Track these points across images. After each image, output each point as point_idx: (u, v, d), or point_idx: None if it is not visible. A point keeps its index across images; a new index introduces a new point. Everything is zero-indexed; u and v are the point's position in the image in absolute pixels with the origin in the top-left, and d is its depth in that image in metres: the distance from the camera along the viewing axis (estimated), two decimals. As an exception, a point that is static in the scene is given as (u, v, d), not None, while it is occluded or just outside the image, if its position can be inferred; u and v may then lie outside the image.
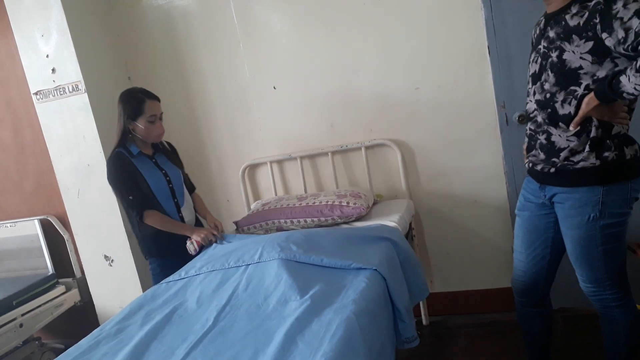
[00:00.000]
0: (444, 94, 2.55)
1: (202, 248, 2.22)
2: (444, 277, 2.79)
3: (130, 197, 2.21)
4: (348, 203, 2.32)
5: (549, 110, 1.58)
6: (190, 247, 2.20)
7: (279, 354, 1.30)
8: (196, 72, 2.89)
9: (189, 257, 2.21)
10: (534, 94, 1.64)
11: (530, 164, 1.72)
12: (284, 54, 2.73)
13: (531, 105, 1.67)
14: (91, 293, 3.01)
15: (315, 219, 2.35)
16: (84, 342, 1.61)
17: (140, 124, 2.22)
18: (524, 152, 1.79)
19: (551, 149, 1.60)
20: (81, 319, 3.23)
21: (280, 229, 2.43)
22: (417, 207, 2.72)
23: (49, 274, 3.19)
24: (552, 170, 1.61)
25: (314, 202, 2.38)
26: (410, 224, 2.60)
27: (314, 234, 2.01)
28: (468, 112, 2.54)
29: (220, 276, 1.84)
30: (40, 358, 3.07)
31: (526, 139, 1.74)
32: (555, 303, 2.55)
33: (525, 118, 1.77)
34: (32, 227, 3.25)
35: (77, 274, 3.19)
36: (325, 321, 1.43)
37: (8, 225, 3.33)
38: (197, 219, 2.52)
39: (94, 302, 3.01)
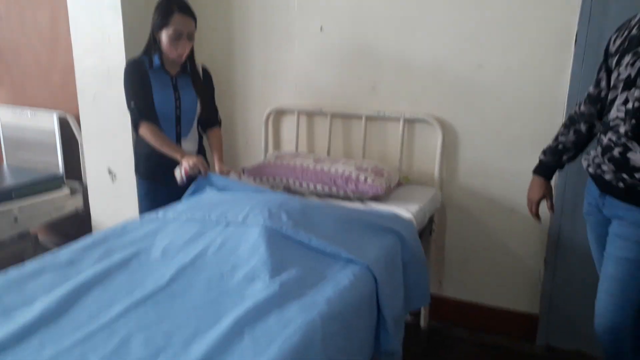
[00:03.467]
0: (509, 78, 2.18)
1: (190, 178, 2.03)
2: (457, 282, 2.50)
3: (132, 103, 2.11)
4: (366, 179, 2.04)
5: (634, 121, 1.36)
6: (177, 174, 2.02)
7: (217, 344, 1.09)
8: (242, -5, 2.60)
9: (175, 186, 2.06)
10: (626, 102, 1.39)
11: (596, 169, 1.51)
12: (340, -8, 2.39)
13: (615, 114, 1.44)
14: (90, 204, 2.89)
15: (326, 187, 2.09)
16: (28, 266, 1.45)
17: (164, 37, 2.06)
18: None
19: (623, 165, 1.40)
20: (82, 226, 3.15)
21: (287, 189, 2.19)
22: (445, 200, 2.40)
23: (59, 174, 3.10)
24: (621, 185, 1.42)
25: (329, 169, 2.11)
26: (432, 217, 2.31)
27: (314, 207, 1.76)
28: (532, 106, 2.17)
29: (197, 228, 1.63)
30: (33, 255, 3.02)
31: (598, 148, 1.50)
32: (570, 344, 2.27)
33: (602, 127, 1.50)
34: (50, 121, 3.14)
35: (85, 181, 3.08)
36: (285, 318, 1.20)
37: (29, 112, 3.24)
38: (205, 155, 2.32)
39: (91, 214, 2.90)
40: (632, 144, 1.37)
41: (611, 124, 1.44)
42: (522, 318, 2.37)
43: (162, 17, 2.04)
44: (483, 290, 2.44)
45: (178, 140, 2.19)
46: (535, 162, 2.21)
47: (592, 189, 1.59)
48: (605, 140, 1.46)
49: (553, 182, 2.16)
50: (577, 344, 2.26)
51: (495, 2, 2.13)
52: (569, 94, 2.07)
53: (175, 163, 2.05)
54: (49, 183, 3.01)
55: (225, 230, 1.59)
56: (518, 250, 2.33)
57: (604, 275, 1.51)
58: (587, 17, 1.96)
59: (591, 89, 1.62)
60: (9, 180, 2.92)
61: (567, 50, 2.05)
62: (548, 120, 2.14)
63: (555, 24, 2.05)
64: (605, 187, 1.49)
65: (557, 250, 2.23)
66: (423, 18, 2.26)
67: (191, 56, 2.19)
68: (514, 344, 2.35)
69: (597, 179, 1.52)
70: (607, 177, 1.46)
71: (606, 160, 1.45)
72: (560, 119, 2.11)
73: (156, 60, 2.11)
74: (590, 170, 1.54)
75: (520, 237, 2.32)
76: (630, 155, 1.37)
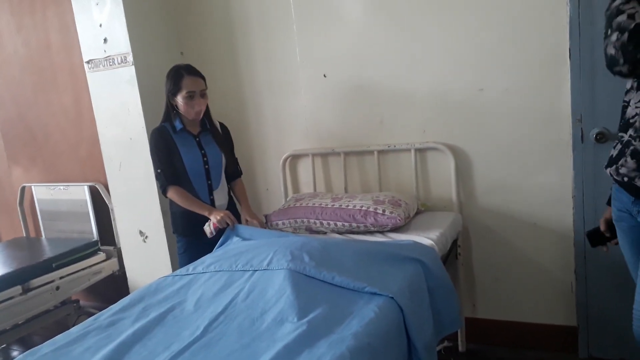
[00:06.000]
0: (511, 98, 2.23)
1: (219, 231, 2.14)
2: (490, 303, 2.49)
3: (159, 170, 2.26)
4: (384, 211, 2.10)
5: None
6: (207, 229, 2.14)
7: (252, 387, 1.14)
8: (247, 52, 2.74)
9: (212, 240, 2.17)
10: None
11: (624, 177, 1.49)
12: (338, 40, 2.51)
13: (632, 111, 1.47)
14: (125, 265, 3.01)
15: (346, 224, 2.15)
16: (74, 331, 1.55)
17: (179, 100, 2.21)
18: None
19: None
20: (119, 286, 3.26)
21: (309, 229, 2.26)
22: (467, 223, 2.43)
23: (93, 240, 3.25)
24: None
25: (348, 205, 2.18)
26: (456, 241, 2.34)
27: (333, 245, 1.82)
28: (538, 122, 2.21)
29: (225, 279, 1.70)
30: (76, 320, 3.14)
31: (619, 146, 1.51)
32: (613, 354, 2.23)
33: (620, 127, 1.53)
34: (82, 192, 3.32)
35: (118, 243, 3.22)
36: (315, 355, 1.25)
37: (62, 187, 3.43)
38: (234, 205, 2.44)
39: (127, 275, 3.02)
40: None
41: (631, 121, 1.46)
42: (561, 331, 2.34)
43: (174, 83, 2.20)
44: (517, 307, 2.43)
45: (210, 192, 2.31)
46: (550, 173, 2.26)
47: (621, 196, 1.58)
48: (626, 137, 1.48)
49: (571, 193, 2.21)
50: (621, 353, 2.21)
51: (487, 28, 2.22)
52: (572, 105, 2.11)
53: (206, 218, 2.17)
54: (86, 250, 3.15)
55: (252, 277, 1.66)
56: (547, 264, 2.33)
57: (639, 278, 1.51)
58: (577, 31, 2.02)
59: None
60: (49, 252, 3.07)
61: (563, 65, 2.10)
62: (554, 133, 2.19)
63: (548, 42, 2.12)
64: (637, 192, 1.48)
65: (585, 260, 2.22)
66: (420, 51, 2.35)
67: (208, 114, 2.33)
68: (556, 357, 2.32)
69: (628, 186, 1.51)
70: (637, 182, 1.45)
71: (629, 154, 1.45)
72: (565, 131, 2.15)
73: (178, 124, 2.25)
74: (617, 177, 1.52)
75: (546, 251, 2.32)
76: None
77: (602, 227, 1.73)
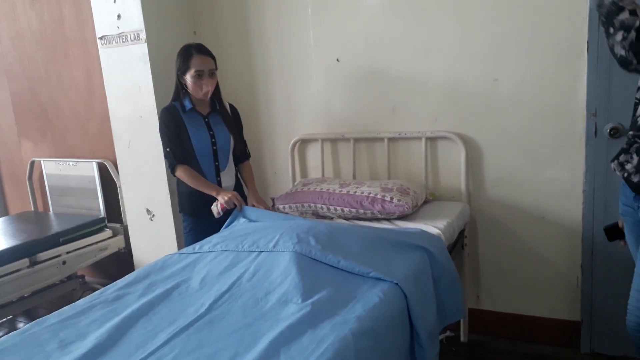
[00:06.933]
0: (526, 90, 2.21)
1: (226, 212, 2.14)
2: (494, 294, 2.49)
3: (168, 149, 2.26)
4: (392, 199, 2.09)
5: None
6: (214, 209, 2.15)
7: (255, 364, 1.15)
8: (260, 34, 2.72)
9: (218, 220, 2.18)
10: None
11: (626, 173, 1.49)
12: (353, 24, 2.48)
13: None
14: (131, 243, 3.03)
15: (353, 210, 2.15)
16: (80, 303, 1.56)
17: (188, 79, 2.20)
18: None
19: None
20: (124, 264, 3.29)
21: (316, 214, 2.26)
22: (475, 214, 2.42)
23: (100, 216, 3.27)
24: None
25: (355, 192, 2.17)
26: (463, 231, 2.33)
27: (340, 230, 1.82)
28: (551, 115, 2.19)
29: (231, 258, 1.71)
30: (81, 295, 3.17)
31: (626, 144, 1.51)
32: (616, 349, 2.22)
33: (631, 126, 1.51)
34: (90, 169, 3.33)
35: (125, 221, 3.24)
36: (319, 336, 1.25)
37: (71, 163, 3.44)
38: (241, 187, 2.45)
39: (132, 252, 3.03)
40: None
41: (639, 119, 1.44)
42: (564, 326, 2.34)
43: (183, 61, 2.20)
44: (521, 300, 2.42)
45: (217, 174, 2.31)
46: (561, 167, 2.23)
47: (626, 191, 1.57)
48: (629, 136, 1.46)
49: (581, 187, 2.19)
50: (623, 349, 2.21)
51: (504, 17, 2.18)
52: (587, 100, 2.08)
53: (213, 199, 2.17)
54: (93, 226, 3.18)
55: (257, 258, 1.67)
56: (553, 258, 2.32)
57: (635, 273, 1.51)
58: (597, 25, 1.98)
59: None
60: (56, 227, 3.10)
61: (580, 58, 2.07)
62: (567, 127, 2.17)
63: (566, 34, 2.08)
64: (637, 189, 1.48)
65: (592, 255, 2.21)
66: (436, 39, 2.33)
67: (218, 95, 2.32)
68: (558, 352, 2.32)
69: (628, 181, 1.51)
70: (636, 179, 1.45)
71: (633, 151, 1.44)
72: (579, 125, 2.13)
73: (187, 103, 2.25)
74: (620, 173, 1.52)
75: (553, 245, 2.31)
76: None
77: (620, 223, 1.71)
